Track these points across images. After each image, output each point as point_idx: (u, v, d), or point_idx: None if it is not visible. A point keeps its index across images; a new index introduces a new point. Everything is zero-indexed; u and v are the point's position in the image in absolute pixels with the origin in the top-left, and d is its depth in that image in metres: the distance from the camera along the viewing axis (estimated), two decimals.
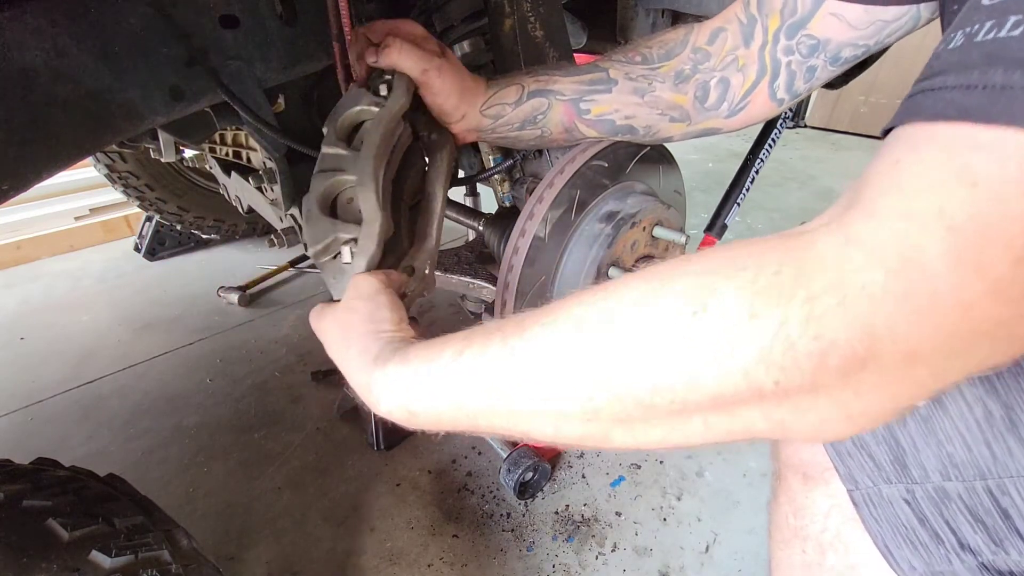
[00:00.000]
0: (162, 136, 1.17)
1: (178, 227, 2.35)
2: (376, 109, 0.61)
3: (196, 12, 0.69)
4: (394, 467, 1.37)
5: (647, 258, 0.78)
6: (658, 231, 0.75)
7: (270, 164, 1.12)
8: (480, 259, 0.96)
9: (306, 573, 1.13)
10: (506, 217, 0.97)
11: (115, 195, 2.39)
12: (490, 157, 0.95)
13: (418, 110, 0.67)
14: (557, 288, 0.74)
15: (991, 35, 0.23)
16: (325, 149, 0.60)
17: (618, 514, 1.23)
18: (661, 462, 1.33)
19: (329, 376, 1.68)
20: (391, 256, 0.58)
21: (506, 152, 0.93)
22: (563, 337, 0.32)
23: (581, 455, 1.37)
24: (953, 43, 0.25)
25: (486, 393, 0.35)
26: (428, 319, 1.96)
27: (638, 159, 0.77)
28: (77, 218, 2.82)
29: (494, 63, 0.81)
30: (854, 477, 0.46)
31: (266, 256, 2.51)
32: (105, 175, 2.04)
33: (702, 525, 1.20)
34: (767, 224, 2.72)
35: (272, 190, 1.19)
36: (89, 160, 2.03)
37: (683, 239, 0.74)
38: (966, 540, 0.41)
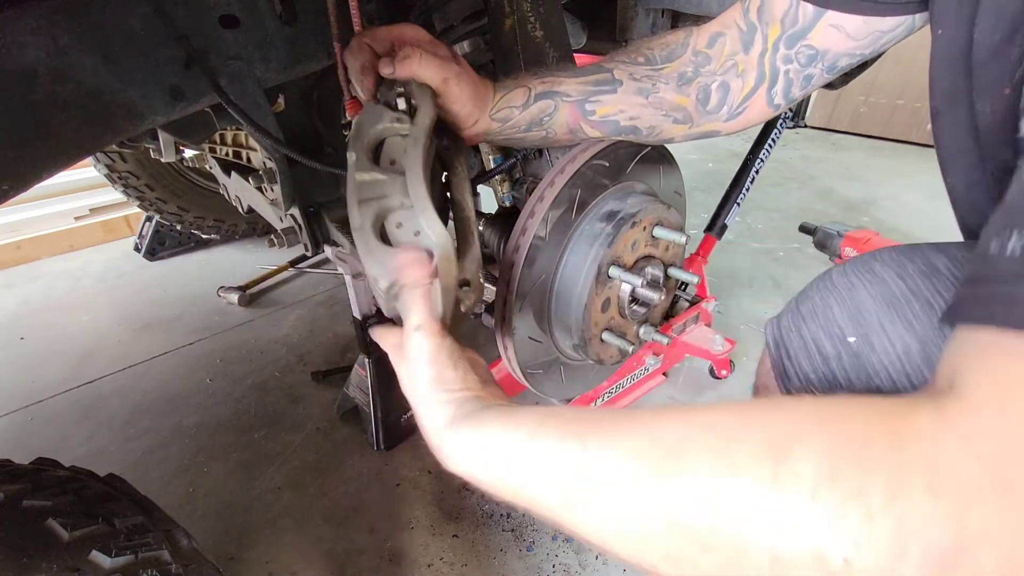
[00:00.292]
0: (162, 136, 1.18)
1: (178, 227, 2.35)
2: (400, 126, 0.59)
3: (196, 12, 0.69)
4: (394, 467, 1.37)
5: (647, 258, 0.78)
6: (658, 231, 0.75)
7: (270, 164, 1.12)
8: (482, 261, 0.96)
9: (306, 573, 1.13)
10: (506, 217, 0.97)
11: (115, 195, 2.39)
12: (490, 157, 0.95)
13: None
14: (557, 287, 0.74)
15: None
16: (360, 175, 0.57)
17: None
18: None
19: (329, 376, 1.68)
20: None
21: (506, 152, 0.94)
22: (631, 471, 0.31)
23: None
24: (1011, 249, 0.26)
25: (545, 489, 0.36)
26: None
27: (638, 159, 0.77)
28: (77, 218, 2.82)
29: (494, 63, 0.81)
30: None
31: (266, 256, 2.51)
32: (105, 175, 2.04)
33: None
34: (767, 224, 2.72)
35: (272, 190, 1.19)
36: (89, 160, 2.04)
37: (683, 239, 0.74)
38: None
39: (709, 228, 1.62)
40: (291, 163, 1.11)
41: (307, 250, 1.25)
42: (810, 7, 0.56)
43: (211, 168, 1.54)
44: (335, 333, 1.93)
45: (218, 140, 1.42)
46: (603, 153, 0.71)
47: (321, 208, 1.22)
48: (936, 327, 0.42)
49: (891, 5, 0.52)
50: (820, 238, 1.66)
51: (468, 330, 1.78)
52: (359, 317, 1.29)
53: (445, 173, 0.68)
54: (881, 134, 4.22)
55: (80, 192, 2.92)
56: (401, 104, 0.60)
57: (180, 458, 1.42)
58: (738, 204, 1.59)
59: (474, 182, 0.96)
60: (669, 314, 1.48)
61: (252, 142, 1.33)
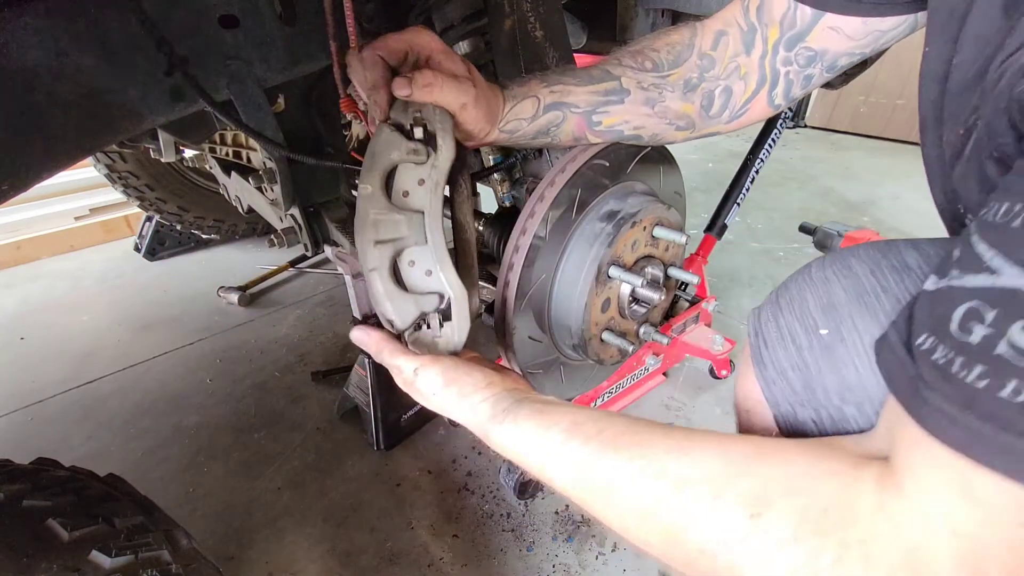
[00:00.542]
0: (162, 136, 1.18)
1: (178, 227, 2.35)
2: (417, 158, 0.57)
3: (196, 12, 0.69)
4: (394, 467, 1.37)
5: (647, 258, 0.78)
6: (658, 231, 0.75)
7: (270, 164, 1.12)
8: (479, 259, 0.96)
9: (306, 573, 1.13)
10: (506, 217, 0.97)
11: (115, 195, 2.40)
12: (490, 157, 0.95)
13: None
14: (557, 287, 0.74)
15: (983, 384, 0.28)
16: (375, 215, 0.56)
17: None
18: None
19: (329, 376, 1.68)
20: None
21: (506, 152, 0.93)
22: (641, 488, 0.40)
23: None
24: (941, 356, 0.30)
25: (571, 482, 0.45)
26: None
27: (638, 159, 0.77)
28: (77, 218, 2.83)
29: (494, 63, 0.81)
30: (777, 401, 0.51)
31: (266, 256, 2.51)
32: (105, 175, 2.04)
33: None
34: (767, 224, 2.72)
35: (272, 190, 1.19)
36: (89, 160, 2.04)
37: (683, 239, 0.74)
38: None
39: (709, 228, 1.62)
40: (291, 163, 1.11)
41: (307, 250, 1.25)
42: (808, 10, 0.56)
43: (211, 168, 1.54)
44: (335, 333, 1.93)
45: (218, 140, 1.43)
46: (603, 153, 0.71)
47: (321, 208, 1.22)
48: None
49: (890, 5, 0.52)
50: (820, 238, 1.66)
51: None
52: (359, 317, 1.29)
53: (447, 187, 0.68)
54: (881, 134, 4.22)
55: (80, 192, 2.92)
56: (418, 133, 0.56)
57: (180, 458, 1.42)
58: (738, 204, 1.59)
59: (473, 180, 0.96)
60: (669, 314, 1.48)
61: (252, 142, 1.33)
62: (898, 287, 0.46)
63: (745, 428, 0.56)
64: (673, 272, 0.80)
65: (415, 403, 1.05)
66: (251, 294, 2.19)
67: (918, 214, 2.80)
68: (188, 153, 1.65)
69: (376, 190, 0.55)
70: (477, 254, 0.69)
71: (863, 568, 0.30)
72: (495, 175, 0.95)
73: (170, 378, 1.74)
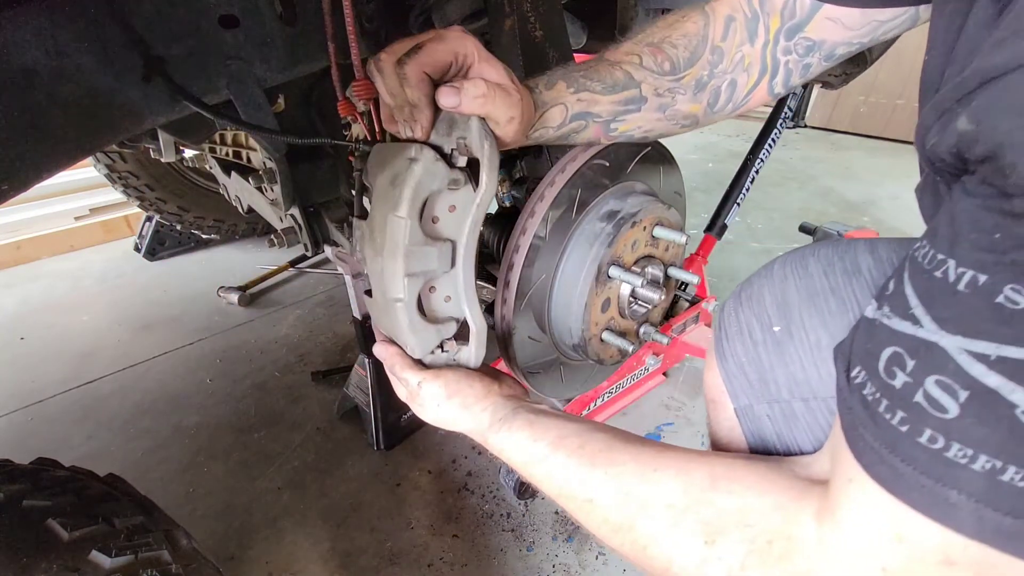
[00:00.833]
0: (162, 136, 1.18)
1: (178, 227, 2.35)
2: (456, 190, 0.54)
3: (196, 12, 0.68)
4: (394, 467, 1.37)
5: (647, 258, 0.78)
6: (658, 231, 0.75)
7: (270, 164, 1.13)
8: (479, 259, 0.96)
9: (306, 573, 1.13)
10: (505, 217, 0.97)
11: (115, 195, 2.40)
12: None
13: None
14: (557, 287, 0.73)
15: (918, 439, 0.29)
16: (412, 246, 0.53)
17: None
18: None
19: (329, 376, 1.68)
20: None
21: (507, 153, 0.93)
22: (613, 506, 0.45)
23: None
24: (876, 400, 0.31)
25: (557, 490, 0.50)
26: None
27: (638, 159, 0.77)
28: (77, 218, 2.83)
29: None
30: (737, 395, 0.53)
31: (266, 256, 2.51)
32: (105, 175, 2.04)
33: None
34: (767, 224, 2.73)
35: (272, 190, 1.19)
36: (89, 160, 2.04)
37: (683, 239, 0.74)
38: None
39: (709, 228, 1.62)
40: (291, 163, 1.11)
41: (307, 250, 1.25)
42: (807, 0, 0.56)
43: (211, 168, 1.54)
44: (335, 333, 1.93)
45: (218, 140, 1.43)
46: (603, 153, 0.71)
47: (321, 208, 1.22)
48: (845, 322, 0.46)
49: None
50: (820, 238, 1.66)
51: None
52: (359, 317, 1.29)
53: None
54: (881, 134, 4.22)
55: (80, 192, 2.92)
56: (461, 162, 0.53)
57: (180, 458, 1.42)
58: (738, 204, 1.59)
59: None
60: (669, 314, 1.48)
61: (252, 142, 1.33)
62: (846, 290, 0.47)
63: (712, 418, 0.58)
64: (673, 272, 0.80)
65: None
66: (251, 294, 2.19)
67: (917, 214, 2.78)
68: (188, 153, 1.65)
69: (415, 224, 0.52)
70: (477, 254, 0.69)
71: None
72: None
73: (170, 378, 1.74)
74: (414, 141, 0.53)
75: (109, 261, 2.60)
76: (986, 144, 0.26)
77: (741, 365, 0.52)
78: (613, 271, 0.71)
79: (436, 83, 0.51)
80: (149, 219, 2.51)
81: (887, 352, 0.31)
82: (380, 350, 0.64)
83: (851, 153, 3.94)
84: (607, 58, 0.64)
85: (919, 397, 0.29)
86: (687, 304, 1.52)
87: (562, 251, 0.72)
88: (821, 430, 0.47)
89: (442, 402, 0.60)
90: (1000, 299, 0.26)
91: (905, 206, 2.91)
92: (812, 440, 0.48)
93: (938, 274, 0.29)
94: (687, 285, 1.37)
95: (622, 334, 0.78)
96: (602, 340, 0.77)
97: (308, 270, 2.38)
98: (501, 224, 0.93)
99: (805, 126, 4.73)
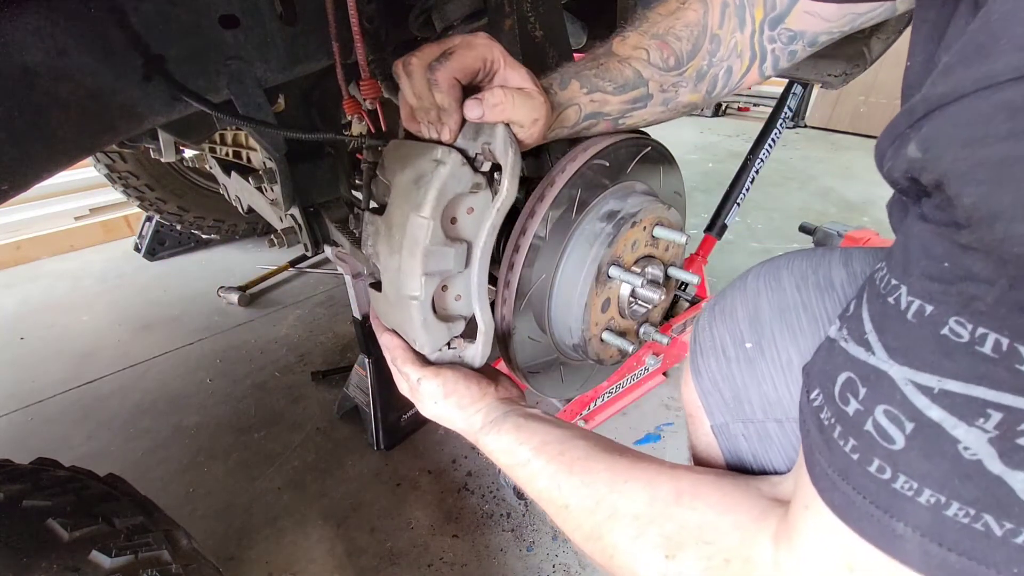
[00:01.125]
0: (162, 136, 1.18)
1: (178, 227, 2.35)
2: (477, 193, 0.55)
3: (196, 12, 0.68)
4: (394, 467, 1.37)
5: (647, 258, 0.78)
6: (658, 231, 0.75)
7: (270, 164, 1.12)
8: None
9: (306, 573, 1.13)
10: (506, 217, 0.97)
11: (115, 195, 2.40)
12: None
13: None
14: (557, 287, 0.73)
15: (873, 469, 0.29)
16: (431, 246, 0.54)
17: None
18: None
19: (329, 376, 1.68)
20: None
21: None
22: (585, 514, 0.47)
23: None
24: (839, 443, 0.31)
25: (537, 493, 0.53)
26: None
27: (638, 159, 0.77)
28: (77, 218, 2.83)
29: None
30: (713, 412, 0.52)
31: (266, 256, 2.51)
32: (105, 175, 2.04)
33: None
34: (767, 224, 2.73)
35: (272, 190, 1.19)
36: (89, 160, 2.04)
37: (683, 239, 0.74)
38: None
39: (709, 228, 1.62)
40: (291, 162, 1.11)
41: (307, 250, 1.25)
42: None
43: (211, 168, 1.54)
44: (335, 333, 1.93)
45: (218, 140, 1.43)
46: (603, 153, 0.71)
47: (321, 208, 1.22)
48: (815, 340, 0.45)
49: None
50: (820, 238, 1.66)
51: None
52: (359, 317, 1.29)
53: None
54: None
55: (80, 192, 2.92)
56: (485, 167, 0.54)
57: (180, 458, 1.42)
58: (738, 204, 1.59)
59: None
60: (669, 314, 1.49)
61: (252, 142, 1.33)
62: (818, 306, 0.46)
63: (691, 432, 0.58)
64: (673, 272, 0.80)
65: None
66: (251, 294, 2.19)
67: None
68: (188, 153, 1.65)
69: (436, 222, 0.53)
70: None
71: None
72: None
73: (170, 378, 1.74)
74: (439, 143, 0.54)
75: (109, 261, 2.60)
76: (933, 173, 0.25)
77: (716, 382, 0.51)
78: (613, 271, 0.71)
79: (464, 88, 0.52)
80: (149, 219, 2.51)
81: (842, 377, 0.31)
82: (386, 340, 0.65)
83: (851, 153, 3.94)
84: (616, 52, 0.64)
85: (869, 426, 0.29)
86: (687, 304, 1.52)
87: (562, 251, 0.72)
88: (794, 451, 0.46)
89: (439, 400, 0.61)
90: (945, 331, 0.25)
91: None
92: (786, 461, 0.47)
93: (891, 300, 0.29)
94: (687, 285, 1.37)
95: (622, 334, 0.78)
96: (602, 340, 0.77)
97: (308, 270, 2.38)
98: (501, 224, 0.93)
99: (805, 126, 4.73)
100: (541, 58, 0.75)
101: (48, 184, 2.68)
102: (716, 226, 1.60)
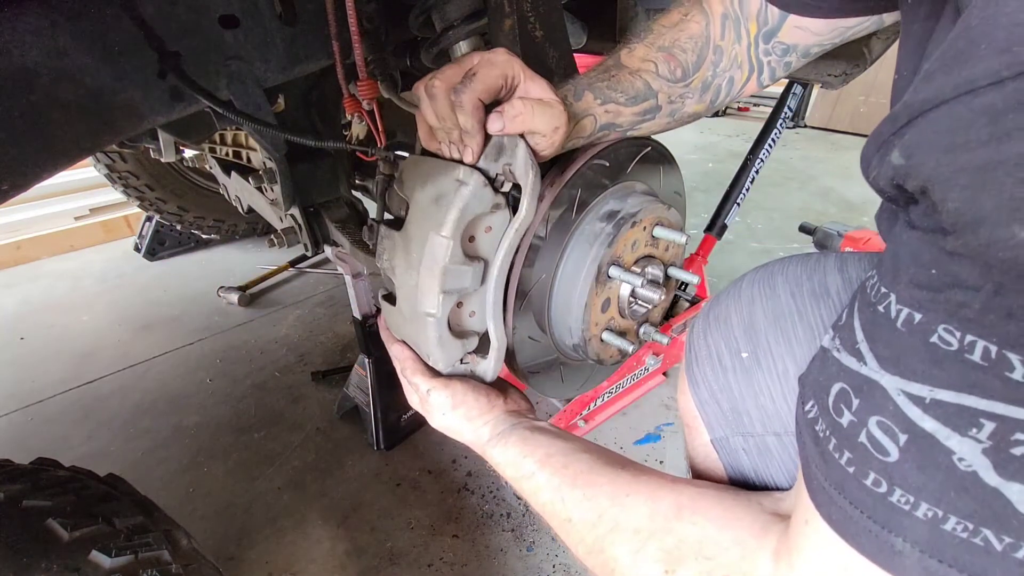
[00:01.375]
0: (162, 136, 1.18)
1: (178, 227, 2.35)
2: (496, 213, 0.55)
3: (196, 12, 0.69)
4: (394, 467, 1.37)
5: (647, 258, 0.78)
6: (658, 231, 0.75)
7: (270, 164, 1.12)
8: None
9: (306, 573, 1.13)
10: None
11: (115, 195, 2.40)
12: None
13: None
14: (557, 287, 0.73)
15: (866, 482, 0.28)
16: (450, 264, 0.54)
17: None
18: (661, 462, 1.33)
19: (329, 376, 1.68)
20: None
21: None
22: (587, 528, 0.46)
23: None
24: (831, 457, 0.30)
25: (541, 507, 0.52)
26: None
27: (638, 159, 0.77)
28: (77, 218, 2.83)
29: None
30: (712, 425, 0.52)
31: (266, 256, 2.51)
32: (105, 175, 2.04)
33: None
34: (767, 224, 2.73)
35: (272, 190, 1.19)
36: (89, 160, 2.04)
37: (683, 239, 0.74)
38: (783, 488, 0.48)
39: (709, 228, 1.62)
40: (291, 162, 1.11)
41: (307, 250, 1.25)
42: (775, 10, 0.58)
43: (211, 168, 1.54)
44: (335, 333, 1.93)
45: (218, 140, 1.43)
46: (603, 153, 0.71)
47: (321, 208, 1.22)
48: (811, 349, 0.44)
49: (852, 6, 0.54)
50: (820, 238, 1.66)
51: None
52: (359, 317, 1.29)
53: None
54: None
55: (80, 192, 2.92)
56: (506, 187, 0.54)
57: (180, 458, 1.42)
58: (738, 204, 1.59)
59: None
60: (669, 314, 1.49)
61: (252, 142, 1.33)
62: (813, 314, 0.46)
63: (688, 442, 0.57)
64: (673, 272, 0.80)
65: None
66: (251, 294, 2.19)
67: None
68: (188, 153, 1.65)
69: (456, 243, 0.53)
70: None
71: None
72: None
73: (170, 378, 1.74)
74: (460, 163, 0.54)
75: (109, 261, 2.60)
76: (917, 179, 0.25)
77: (713, 393, 0.51)
78: (613, 271, 0.71)
79: (487, 107, 0.52)
80: (149, 219, 2.51)
81: (836, 388, 0.31)
82: (396, 351, 0.66)
83: (851, 153, 3.94)
84: (625, 64, 0.65)
85: (863, 438, 0.28)
86: (687, 304, 1.52)
87: (562, 251, 0.72)
88: (794, 465, 0.46)
89: (447, 411, 0.61)
90: (934, 339, 0.25)
91: None
92: (787, 476, 0.47)
93: (881, 308, 0.28)
94: (687, 285, 1.37)
95: (622, 334, 0.78)
96: (602, 340, 0.77)
97: (308, 270, 2.38)
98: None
99: (805, 126, 4.73)
100: (541, 58, 0.75)
101: (48, 184, 2.68)
102: (716, 226, 1.60)
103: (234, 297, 2.12)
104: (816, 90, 4.45)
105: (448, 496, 1.29)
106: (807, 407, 0.34)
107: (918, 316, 0.26)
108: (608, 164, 0.72)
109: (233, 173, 1.38)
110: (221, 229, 2.44)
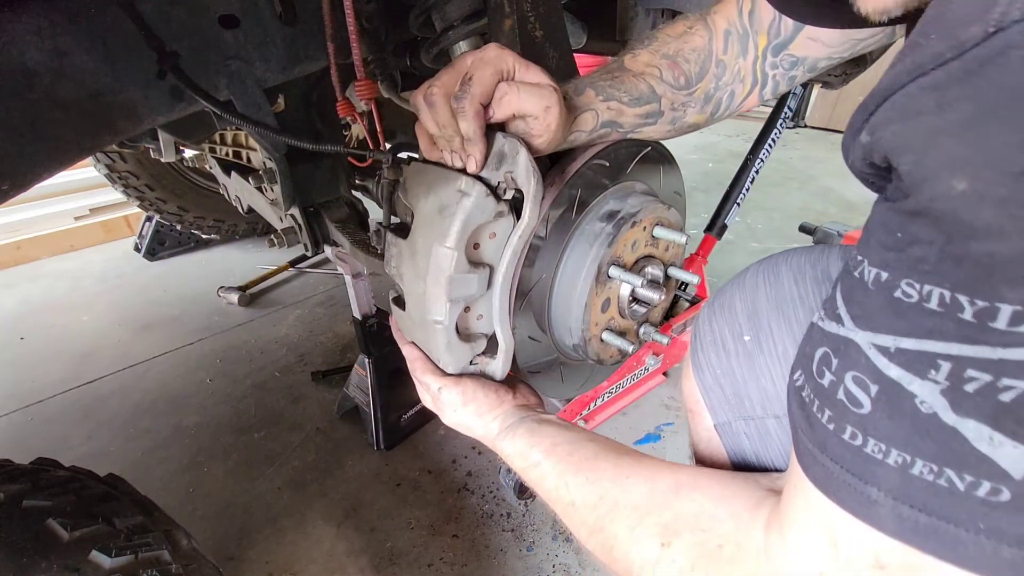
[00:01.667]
0: (162, 136, 1.18)
1: (178, 227, 2.35)
2: (499, 221, 0.56)
3: (195, 12, 0.69)
4: (394, 467, 1.37)
5: (647, 258, 0.78)
6: (658, 231, 0.75)
7: (270, 164, 1.12)
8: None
9: (306, 573, 1.13)
10: None
11: (115, 195, 2.40)
12: None
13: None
14: (557, 287, 0.74)
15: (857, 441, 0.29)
16: (456, 273, 0.54)
17: None
18: None
19: (329, 376, 1.68)
20: None
21: None
22: (586, 514, 0.48)
23: None
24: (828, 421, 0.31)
25: (546, 493, 0.54)
26: None
27: (638, 159, 0.77)
28: (77, 218, 2.83)
29: None
30: (715, 410, 0.53)
31: (266, 256, 2.51)
32: (105, 175, 2.04)
33: None
34: (767, 224, 2.73)
35: (272, 190, 1.19)
36: (89, 160, 2.04)
37: (683, 239, 0.74)
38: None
39: (709, 228, 1.62)
40: (291, 163, 1.11)
41: (307, 250, 1.25)
42: (790, 22, 0.59)
43: (211, 168, 1.54)
44: (335, 333, 1.93)
45: (218, 140, 1.43)
46: (603, 153, 0.71)
47: (321, 208, 1.22)
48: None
49: (865, 20, 0.54)
50: (820, 238, 1.66)
51: None
52: (359, 317, 1.29)
53: None
54: None
55: (80, 192, 2.92)
56: (508, 195, 0.55)
57: (180, 458, 1.42)
58: (738, 204, 1.59)
59: None
60: (669, 314, 1.49)
61: (252, 142, 1.33)
62: (815, 299, 0.47)
63: (691, 427, 0.58)
64: (673, 272, 0.80)
65: (415, 403, 1.07)
66: (251, 294, 2.19)
67: None
68: (188, 153, 1.66)
69: (460, 252, 0.54)
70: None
71: None
72: None
73: (170, 378, 1.74)
74: (463, 172, 0.54)
75: (109, 261, 2.60)
76: (880, 151, 0.27)
77: (716, 377, 0.52)
78: (613, 271, 0.71)
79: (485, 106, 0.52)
80: (149, 219, 2.51)
81: (819, 353, 0.32)
82: (408, 352, 0.68)
83: None
84: (628, 68, 0.65)
85: (841, 394, 0.29)
86: (687, 304, 1.52)
87: (562, 251, 0.72)
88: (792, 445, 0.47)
89: (458, 408, 0.63)
90: (898, 293, 0.27)
91: None
92: (785, 458, 0.47)
93: (856, 274, 0.30)
94: (687, 285, 1.37)
95: (622, 334, 0.78)
96: (602, 340, 0.77)
97: (308, 270, 2.38)
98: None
99: (805, 126, 4.72)
100: (541, 58, 0.75)
101: (48, 184, 2.68)
102: (716, 226, 1.60)
103: (234, 297, 2.12)
104: (816, 90, 4.45)
105: (448, 496, 1.29)
106: (795, 376, 0.35)
107: (884, 274, 0.28)
108: (608, 164, 0.72)
109: (233, 173, 1.38)
110: (221, 229, 2.44)
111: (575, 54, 0.84)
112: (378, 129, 0.81)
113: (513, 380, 0.68)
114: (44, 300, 2.27)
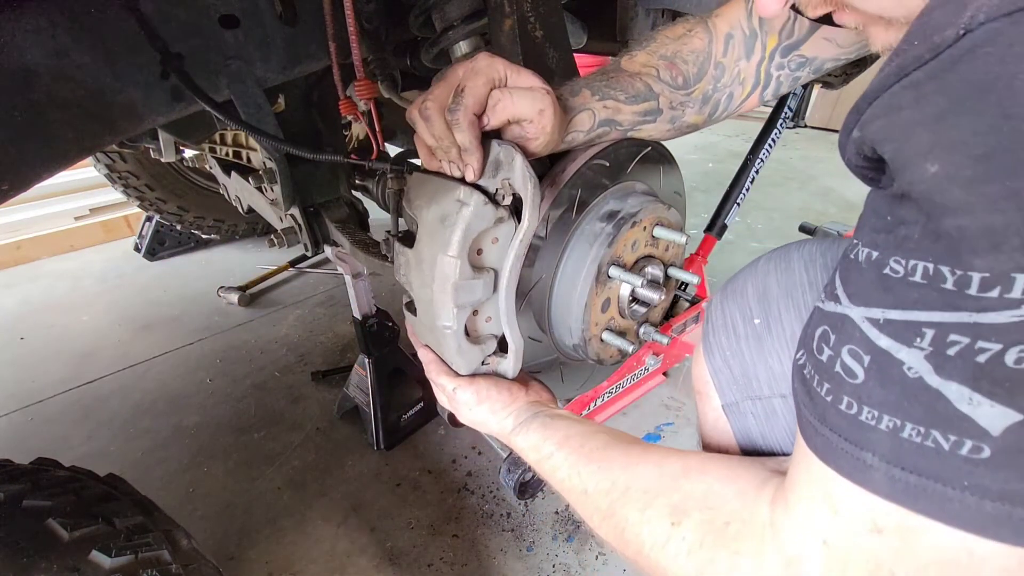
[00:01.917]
0: (162, 136, 1.18)
1: (178, 227, 2.35)
2: (500, 226, 0.57)
3: (196, 12, 0.69)
4: (394, 467, 1.37)
5: (647, 258, 0.78)
6: (658, 231, 0.75)
7: (270, 164, 1.12)
8: None
9: (306, 573, 1.13)
10: None
11: (115, 195, 2.40)
12: None
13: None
14: (557, 287, 0.74)
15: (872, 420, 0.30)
16: (460, 280, 0.56)
17: None
18: None
19: (329, 376, 1.68)
20: None
21: None
22: (598, 500, 0.49)
23: None
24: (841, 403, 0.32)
25: (559, 483, 0.55)
26: None
27: (638, 159, 0.77)
28: (77, 218, 2.83)
29: None
30: (723, 391, 0.54)
31: (266, 256, 2.51)
32: (105, 175, 2.04)
33: None
34: (767, 224, 2.73)
35: (272, 190, 1.19)
36: (89, 160, 2.04)
37: (683, 239, 0.74)
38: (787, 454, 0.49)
39: (709, 228, 1.62)
40: (291, 163, 1.11)
41: (307, 250, 1.25)
42: (806, 22, 0.59)
43: (211, 168, 1.54)
44: (335, 333, 1.93)
45: (218, 140, 1.43)
46: (603, 153, 0.71)
47: (321, 208, 1.22)
48: None
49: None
50: (820, 238, 1.66)
51: None
52: (359, 317, 1.29)
53: None
54: None
55: (80, 192, 2.92)
56: (507, 200, 0.56)
57: (180, 458, 1.42)
58: (738, 204, 1.59)
59: None
60: (669, 314, 1.48)
61: (252, 142, 1.33)
62: (823, 285, 0.47)
63: (699, 409, 0.60)
64: (673, 272, 0.80)
65: (415, 403, 1.07)
66: (251, 294, 2.19)
67: None
68: (188, 153, 1.65)
69: (463, 260, 0.55)
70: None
71: (754, 573, 0.35)
72: None
73: (170, 378, 1.74)
74: (462, 181, 0.55)
75: (109, 261, 2.60)
76: (869, 143, 0.30)
77: (726, 359, 0.53)
78: (613, 271, 0.71)
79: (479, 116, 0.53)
80: (149, 219, 2.51)
81: (819, 331, 0.34)
82: (423, 355, 0.70)
83: None
84: (625, 68, 0.66)
85: (838, 367, 0.31)
86: (687, 304, 1.52)
87: (562, 251, 0.72)
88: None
89: (473, 407, 0.65)
90: (887, 270, 0.29)
91: None
92: (790, 437, 0.48)
93: (852, 255, 0.32)
94: (687, 285, 1.37)
95: (622, 334, 0.78)
96: (602, 340, 0.77)
97: (308, 270, 2.38)
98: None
99: (805, 126, 4.72)
100: (541, 58, 0.75)
101: (48, 184, 2.68)
102: (716, 226, 1.60)
103: (234, 297, 2.12)
104: (816, 90, 4.44)
105: (448, 496, 1.29)
106: (798, 355, 0.37)
107: (875, 253, 0.30)
108: (608, 164, 0.72)
109: (233, 173, 1.38)
110: (221, 229, 2.44)
111: (575, 54, 0.84)
112: (378, 130, 0.81)
113: (526, 377, 0.70)
114: (44, 300, 2.27)
